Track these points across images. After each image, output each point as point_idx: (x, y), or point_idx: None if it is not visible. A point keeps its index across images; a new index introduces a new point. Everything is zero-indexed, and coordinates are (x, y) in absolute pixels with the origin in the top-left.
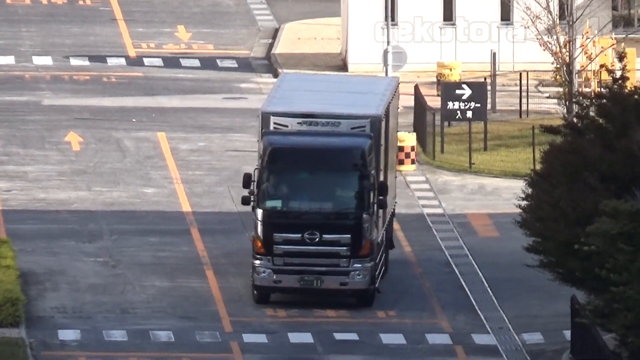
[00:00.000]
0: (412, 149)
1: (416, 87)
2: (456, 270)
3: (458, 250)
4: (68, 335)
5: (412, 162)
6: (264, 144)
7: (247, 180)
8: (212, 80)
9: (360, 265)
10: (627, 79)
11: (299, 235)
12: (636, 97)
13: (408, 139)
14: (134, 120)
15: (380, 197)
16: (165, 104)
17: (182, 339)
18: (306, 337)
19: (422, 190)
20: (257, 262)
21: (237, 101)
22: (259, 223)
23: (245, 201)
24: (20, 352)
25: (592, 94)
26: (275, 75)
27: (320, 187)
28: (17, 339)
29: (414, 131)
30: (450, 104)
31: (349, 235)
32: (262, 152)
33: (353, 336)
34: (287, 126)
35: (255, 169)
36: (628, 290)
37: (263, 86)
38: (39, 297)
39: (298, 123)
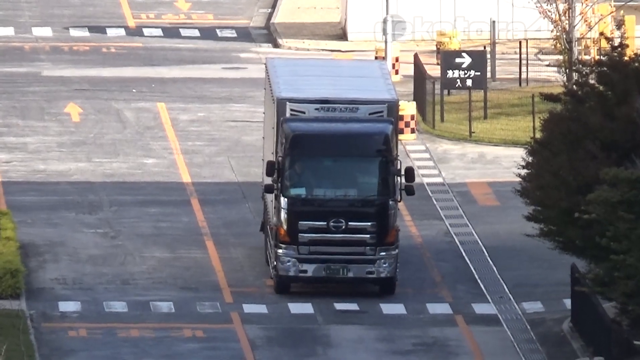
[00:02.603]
0: (412, 117)
1: (416, 56)
2: (456, 240)
3: (458, 219)
4: (68, 306)
5: (412, 131)
6: (285, 131)
7: (270, 168)
8: (212, 50)
9: (386, 253)
10: (627, 46)
11: (325, 223)
12: (636, 64)
13: (408, 107)
14: (133, 90)
15: (408, 184)
16: (164, 74)
17: (183, 310)
18: (306, 308)
19: (421, 159)
20: (281, 251)
21: (236, 71)
22: (283, 211)
23: (269, 189)
24: (20, 323)
25: (592, 61)
26: (275, 45)
27: (345, 173)
28: (18, 311)
29: (414, 100)
30: (450, 73)
31: (375, 223)
32: (283, 140)
33: (353, 306)
34: (304, 112)
35: (279, 156)
36: (628, 259)
37: (262, 56)
38: (39, 268)
39: (315, 109)
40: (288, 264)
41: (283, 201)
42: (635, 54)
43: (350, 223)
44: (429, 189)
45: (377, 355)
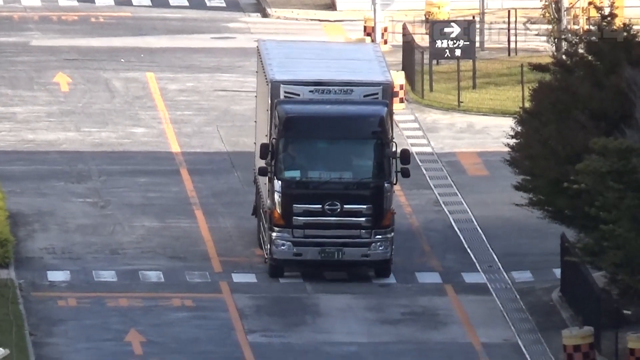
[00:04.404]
0: (401, 87)
1: (404, 26)
2: (445, 209)
3: (447, 189)
4: (57, 276)
5: (401, 100)
6: (279, 113)
7: (264, 150)
8: (200, 20)
9: (381, 236)
10: (616, 15)
11: (319, 206)
12: (625, 34)
13: (396, 77)
14: (122, 60)
15: (403, 166)
16: (153, 44)
17: (172, 279)
18: (295, 277)
19: (410, 129)
20: (275, 234)
21: (225, 41)
22: (277, 194)
23: (263, 172)
24: (9, 293)
25: (581, 31)
26: (264, 14)
27: (340, 156)
28: (6, 280)
29: (403, 70)
30: (438, 42)
31: (370, 206)
32: (277, 122)
33: (342, 276)
34: (298, 95)
35: (273, 139)
36: (617, 228)
37: (251, 26)
38: (28, 238)
39: (310, 91)
40: (282, 247)
41: (277, 184)
42: (624, 24)
43: (345, 206)
44: (418, 159)
45: (366, 324)
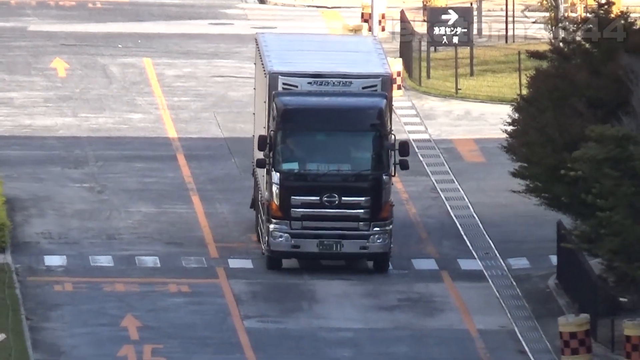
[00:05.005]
0: (398, 74)
1: (402, 12)
2: (442, 196)
3: (444, 175)
4: (54, 260)
5: (398, 87)
6: (277, 105)
7: (262, 142)
8: (198, 6)
9: (380, 228)
10: (613, 3)
11: (318, 198)
12: (622, 22)
13: (394, 64)
14: (119, 46)
15: (402, 158)
16: (150, 29)
17: (168, 265)
18: (292, 263)
19: (408, 115)
20: (273, 226)
21: (222, 27)
22: (275, 186)
23: (260, 164)
24: (6, 277)
25: (579, 18)
26: (262, 0)
27: (338, 148)
28: (3, 265)
29: (400, 57)
30: (436, 29)
31: (369, 198)
32: (275, 114)
33: (339, 262)
34: (296, 86)
35: (271, 131)
36: (614, 215)
37: (248, 12)
38: (25, 223)
39: (308, 83)
40: (280, 239)
41: (275, 176)
42: (621, 12)
43: (343, 198)
44: (415, 145)
45: (362, 310)
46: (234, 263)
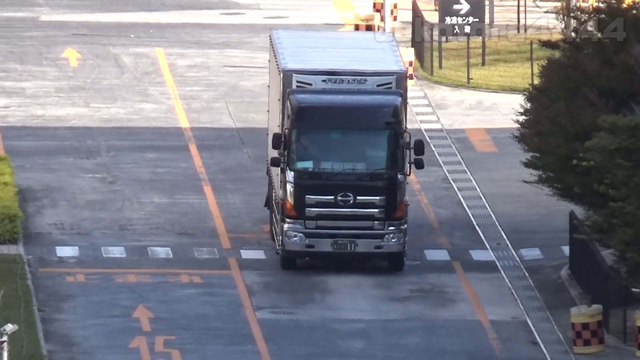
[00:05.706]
0: (410, 64)
1: (414, 2)
2: (454, 186)
3: (456, 165)
4: (66, 251)
5: (410, 77)
6: (292, 102)
7: (276, 140)
8: None
9: (394, 227)
10: None
11: (332, 197)
12: (634, 11)
13: (406, 54)
14: (131, 36)
15: (417, 157)
16: (162, 19)
17: (180, 256)
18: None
19: (420, 105)
20: (287, 225)
21: (234, 17)
22: (290, 184)
23: (275, 162)
24: (18, 268)
25: (590, 8)
26: None
27: (353, 147)
28: (15, 256)
29: (412, 46)
30: (448, 19)
31: (384, 197)
32: (290, 112)
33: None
34: (310, 84)
35: (285, 129)
36: (627, 206)
37: (260, 2)
38: (37, 213)
39: (322, 81)
40: (295, 238)
41: (289, 174)
42: (634, 1)
43: (358, 197)
44: (427, 135)
45: (374, 301)
46: (246, 254)
